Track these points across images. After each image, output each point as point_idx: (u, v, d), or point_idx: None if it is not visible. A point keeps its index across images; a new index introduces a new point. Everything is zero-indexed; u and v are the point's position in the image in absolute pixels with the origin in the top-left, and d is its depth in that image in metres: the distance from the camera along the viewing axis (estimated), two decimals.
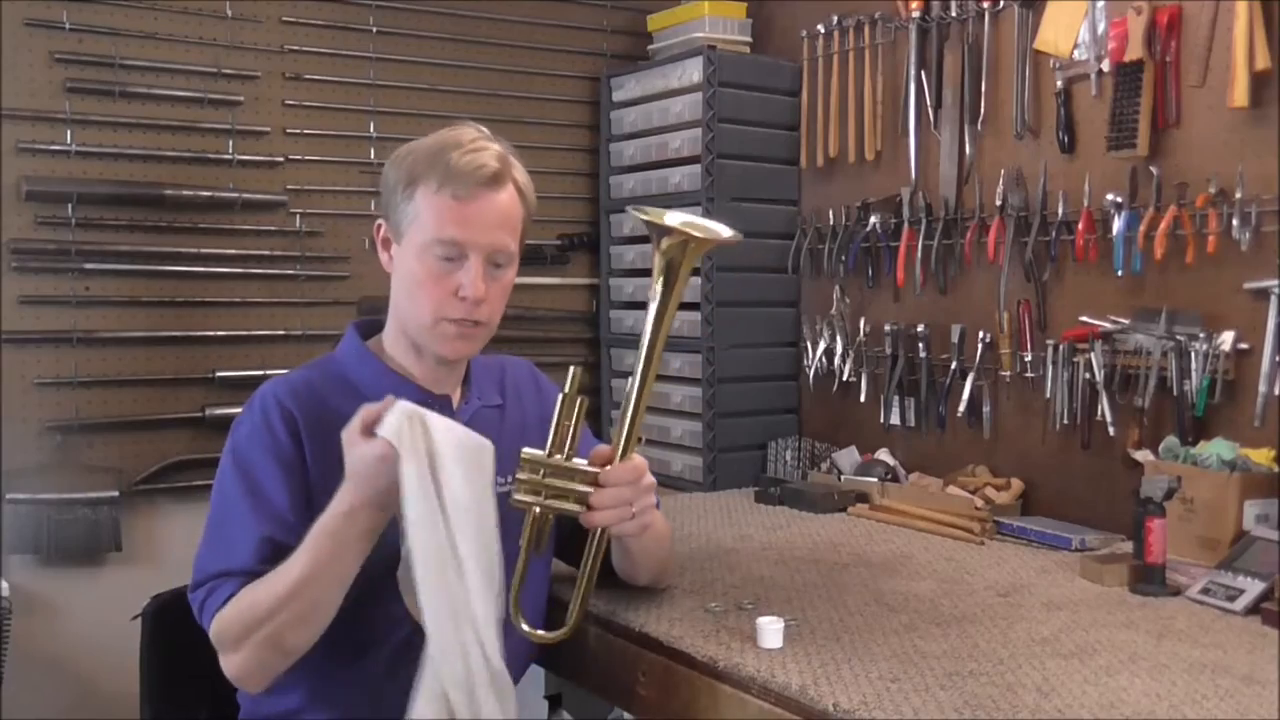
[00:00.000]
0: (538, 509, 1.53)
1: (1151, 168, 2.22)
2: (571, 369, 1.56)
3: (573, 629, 1.60)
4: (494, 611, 1.44)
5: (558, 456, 1.53)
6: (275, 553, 1.49)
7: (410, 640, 1.55)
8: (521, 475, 1.52)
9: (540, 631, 1.63)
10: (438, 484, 1.41)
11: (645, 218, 1.57)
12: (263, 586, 1.47)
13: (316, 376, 1.64)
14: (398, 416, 1.40)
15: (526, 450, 1.52)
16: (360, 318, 1.75)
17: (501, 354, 1.86)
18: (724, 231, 1.61)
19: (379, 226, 1.65)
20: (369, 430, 1.41)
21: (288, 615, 1.45)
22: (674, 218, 1.57)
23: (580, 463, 1.54)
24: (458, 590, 1.41)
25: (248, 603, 1.47)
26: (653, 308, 1.57)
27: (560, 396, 1.54)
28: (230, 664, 1.50)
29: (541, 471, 1.53)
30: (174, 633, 1.72)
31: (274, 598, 1.45)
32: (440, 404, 1.64)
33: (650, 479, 1.60)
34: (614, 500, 1.54)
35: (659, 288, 1.57)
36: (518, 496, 1.52)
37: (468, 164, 1.55)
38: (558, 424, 1.54)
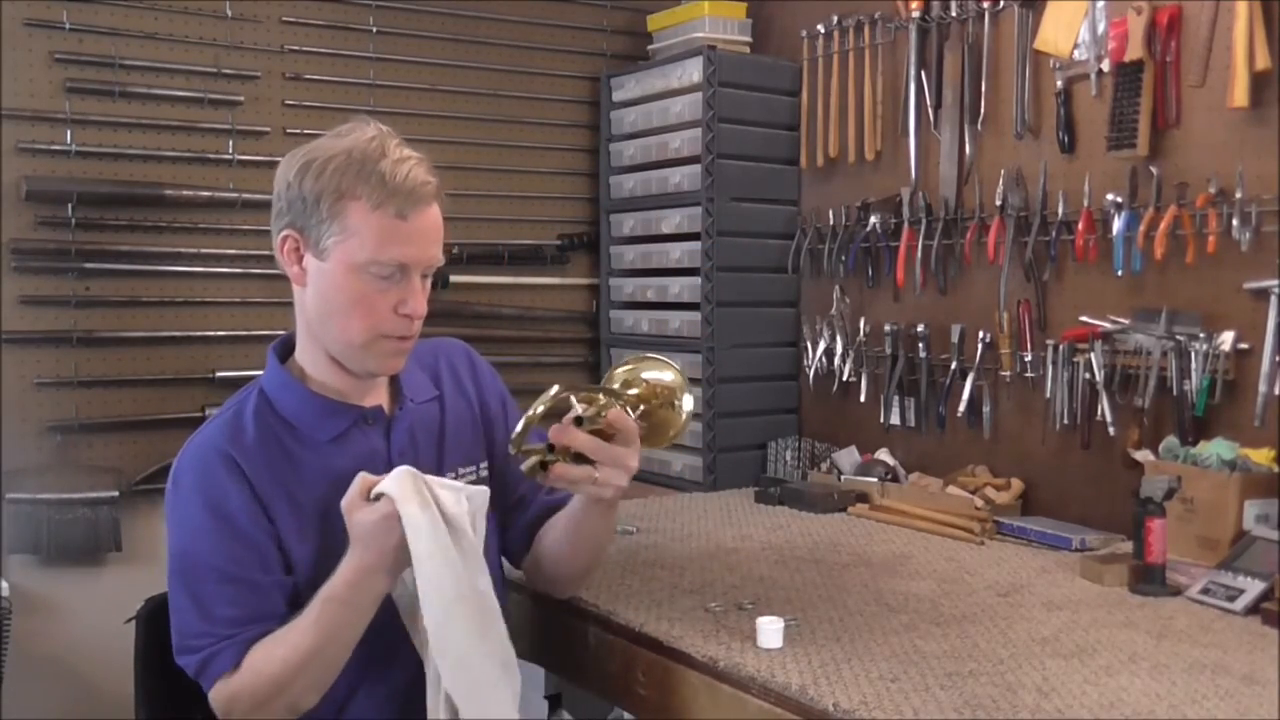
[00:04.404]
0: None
1: (1151, 168, 2.22)
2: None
3: None
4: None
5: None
6: (250, 593, 1.48)
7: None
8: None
9: None
10: (449, 526, 1.42)
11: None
12: (275, 657, 1.45)
13: (243, 413, 1.57)
14: (395, 475, 1.42)
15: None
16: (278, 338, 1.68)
17: (435, 337, 1.78)
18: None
19: (285, 238, 1.54)
20: (367, 496, 1.42)
21: (303, 682, 1.46)
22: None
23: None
24: (484, 621, 1.45)
25: (257, 675, 1.45)
26: None
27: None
28: None
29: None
30: (168, 634, 1.71)
31: (288, 668, 1.44)
32: (373, 415, 1.60)
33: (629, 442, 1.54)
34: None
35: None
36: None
37: (408, 180, 1.47)
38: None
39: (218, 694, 1.47)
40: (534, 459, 1.49)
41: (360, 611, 1.45)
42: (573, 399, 1.51)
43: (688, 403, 1.62)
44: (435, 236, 1.54)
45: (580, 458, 1.50)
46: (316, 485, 1.54)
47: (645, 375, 1.62)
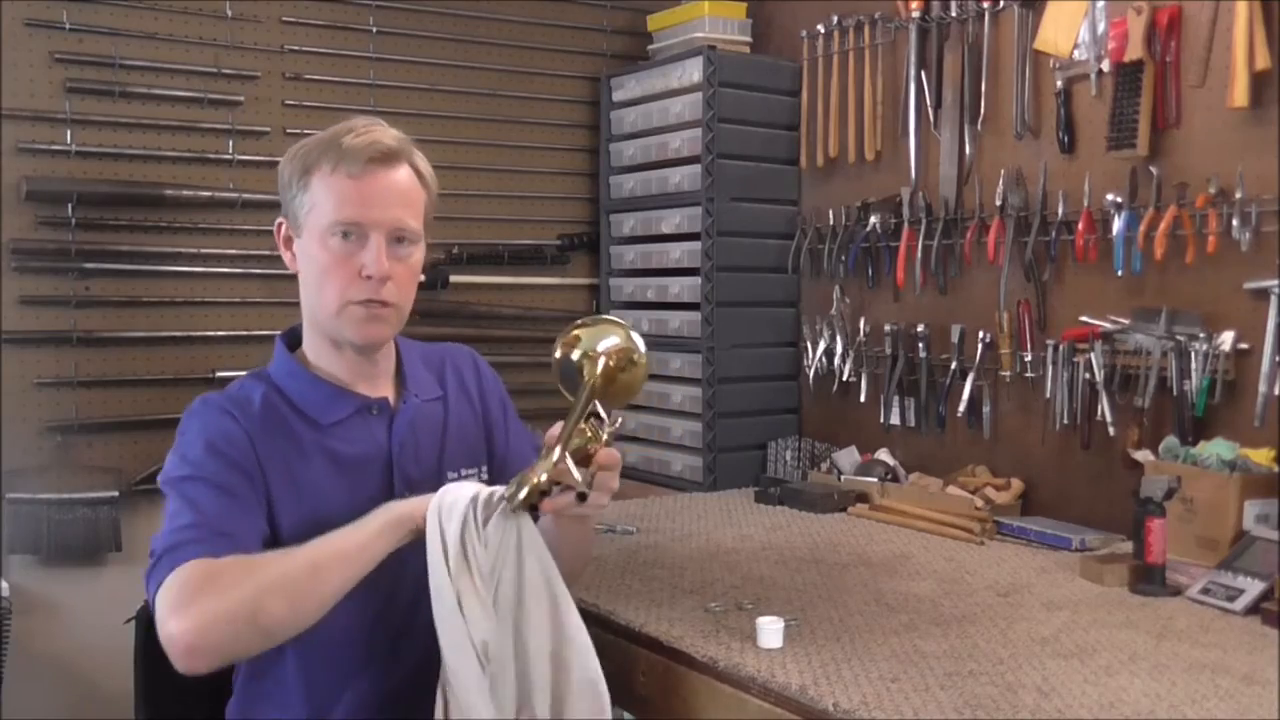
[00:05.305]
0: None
1: (1151, 168, 2.22)
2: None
3: None
4: None
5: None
6: (241, 509, 1.47)
7: (421, 661, 1.55)
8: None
9: None
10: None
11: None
12: (258, 556, 1.41)
13: (251, 388, 1.59)
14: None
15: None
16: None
17: (446, 342, 1.81)
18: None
19: (279, 226, 1.60)
20: None
21: (278, 587, 1.36)
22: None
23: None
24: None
25: (231, 560, 1.38)
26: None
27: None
28: (180, 621, 1.33)
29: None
30: None
31: (267, 560, 1.39)
32: (378, 406, 1.61)
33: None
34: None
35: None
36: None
37: (361, 143, 1.53)
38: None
39: (172, 580, 1.36)
40: (526, 497, 1.43)
41: (364, 540, 1.41)
42: (570, 466, 1.43)
43: (640, 345, 1.59)
44: (394, 198, 1.55)
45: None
46: (313, 462, 1.55)
47: (600, 346, 1.60)
